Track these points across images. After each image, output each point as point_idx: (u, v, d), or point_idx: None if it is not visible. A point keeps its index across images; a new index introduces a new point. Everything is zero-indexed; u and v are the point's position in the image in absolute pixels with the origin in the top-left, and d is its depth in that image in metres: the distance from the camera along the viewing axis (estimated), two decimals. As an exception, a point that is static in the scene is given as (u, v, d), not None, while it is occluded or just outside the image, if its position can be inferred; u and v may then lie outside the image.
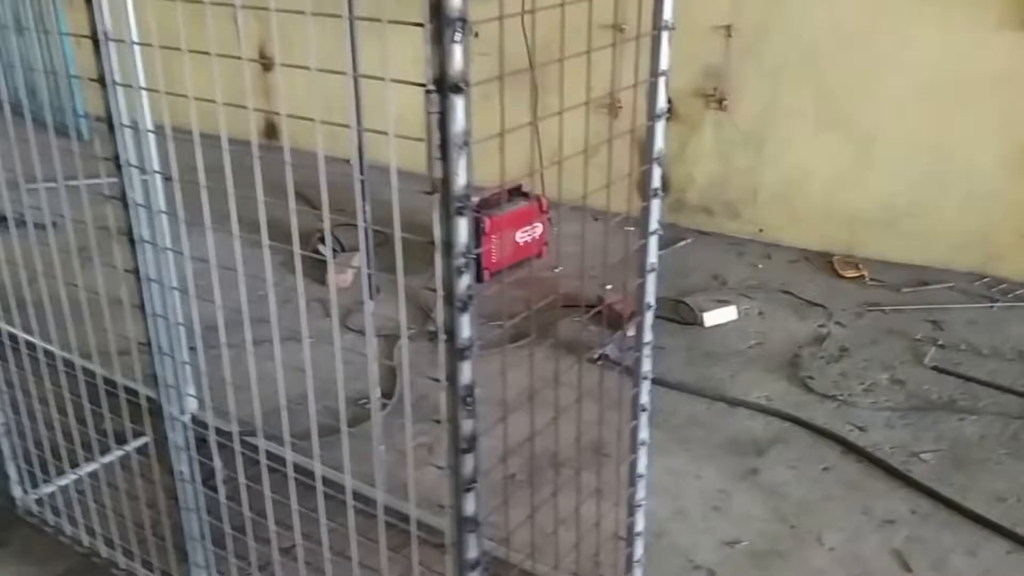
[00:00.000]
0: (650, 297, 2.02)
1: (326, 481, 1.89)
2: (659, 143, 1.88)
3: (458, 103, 1.33)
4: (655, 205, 1.94)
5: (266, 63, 6.58)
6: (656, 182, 1.91)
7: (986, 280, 4.45)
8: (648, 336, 2.06)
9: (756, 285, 4.54)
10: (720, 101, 5.00)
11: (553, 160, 1.91)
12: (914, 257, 4.63)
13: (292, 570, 2.16)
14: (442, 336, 1.49)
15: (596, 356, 3.79)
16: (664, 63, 1.82)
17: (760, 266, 4.79)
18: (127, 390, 2.32)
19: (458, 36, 1.30)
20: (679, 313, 4.20)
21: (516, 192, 4.76)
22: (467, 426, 1.55)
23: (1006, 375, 3.62)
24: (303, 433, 2.00)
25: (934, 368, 3.68)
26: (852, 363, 3.77)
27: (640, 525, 2.26)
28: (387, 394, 3.60)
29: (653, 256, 2.01)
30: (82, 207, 2.19)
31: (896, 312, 4.19)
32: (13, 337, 2.64)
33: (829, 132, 4.76)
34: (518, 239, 4.72)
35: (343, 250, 4.90)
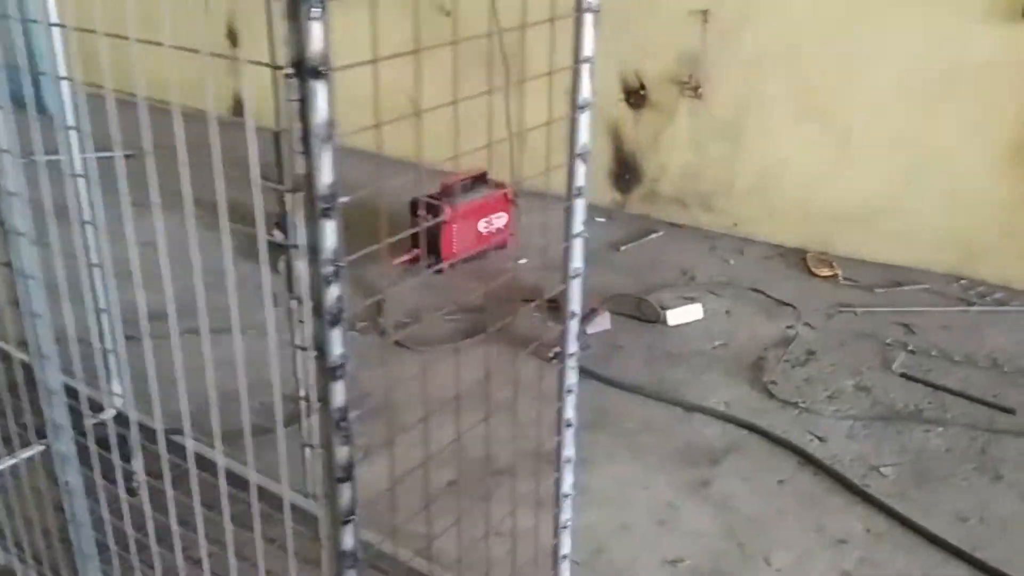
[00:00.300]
0: (575, 305, 1.85)
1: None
2: (584, 138, 1.70)
3: (319, 89, 1.16)
4: (579, 205, 1.76)
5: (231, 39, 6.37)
6: (580, 180, 1.74)
7: (964, 282, 4.29)
8: (572, 347, 1.89)
9: (726, 282, 4.37)
10: (695, 89, 4.81)
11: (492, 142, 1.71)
12: (891, 256, 4.47)
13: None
14: (311, 352, 1.32)
15: (551, 354, 3.62)
16: (587, 49, 1.64)
17: (732, 262, 4.62)
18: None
19: (316, 12, 1.12)
20: (641, 311, 4.04)
21: (480, 180, 4.58)
22: (342, 453, 1.38)
23: (977, 384, 3.46)
24: (225, 435, 1.82)
25: (902, 375, 3.52)
26: (818, 368, 3.61)
27: (566, 547, 2.10)
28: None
29: (578, 260, 1.83)
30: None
31: (868, 314, 4.03)
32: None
33: (807, 124, 4.58)
34: (480, 228, 4.54)
35: (300, 235, 4.71)
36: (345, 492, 1.42)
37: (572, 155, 1.70)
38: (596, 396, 3.42)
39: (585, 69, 1.64)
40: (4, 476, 2.45)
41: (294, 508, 1.89)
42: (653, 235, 4.93)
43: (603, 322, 3.89)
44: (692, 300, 4.11)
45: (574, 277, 1.83)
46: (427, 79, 1.42)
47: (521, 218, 5.01)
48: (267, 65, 1.21)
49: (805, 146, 4.61)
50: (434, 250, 4.40)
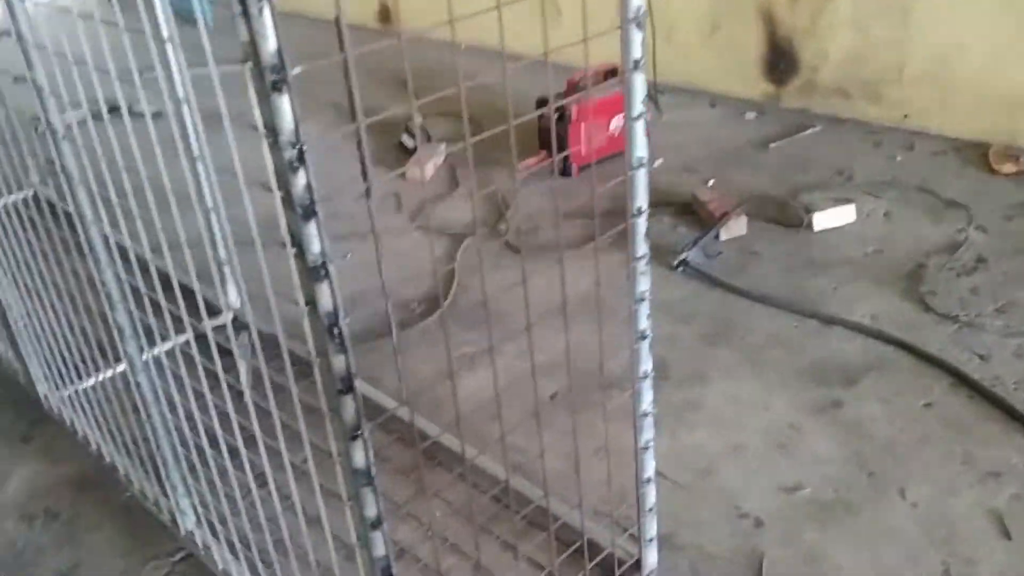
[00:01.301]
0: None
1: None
2: (639, -3, 1.42)
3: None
4: (638, 80, 1.49)
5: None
6: (637, 51, 1.46)
7: None
8: (642, 249, 1.65)
9: (888, 181, 3.88)
10: (860, -39, 4.22)
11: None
12: (1093, 147, 3.81)
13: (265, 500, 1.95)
14: (290, 249, 1.17)
15: (676, 262, 3.35)
16: None
17: (898, 159, 4.10)
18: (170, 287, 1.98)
19: None
20: (784, 214, 3.65)
21: (611, 75, 4.26)
22: (339, 363, 1.24)
23: None
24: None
25: (1094, 285, 3.00)
26: (988, 277, 3.13)
27: (649, 470, 1.89)
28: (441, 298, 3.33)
29: (640, 148, 1.57)
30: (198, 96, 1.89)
31: (1058, 215, 3.46)
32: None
33: (994, -5, 3.92)
34: (612, 128, 4.24)
35: (429, 141, 4.60)
36: (348, 405, 1.28)
37: (624, 19, 1.43)
38: (721, 307, 3.13)
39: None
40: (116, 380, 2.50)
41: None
42: (809, 131, 4.45)
43: (738, 227, 3.55)
44: (845, 202, 3.67)
45: (638, 167, 1.57)
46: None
47: (661, 115, 4.67)
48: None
49: (988, 22, 3.95)
50: (562, 152, 4.16)
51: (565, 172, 4.19)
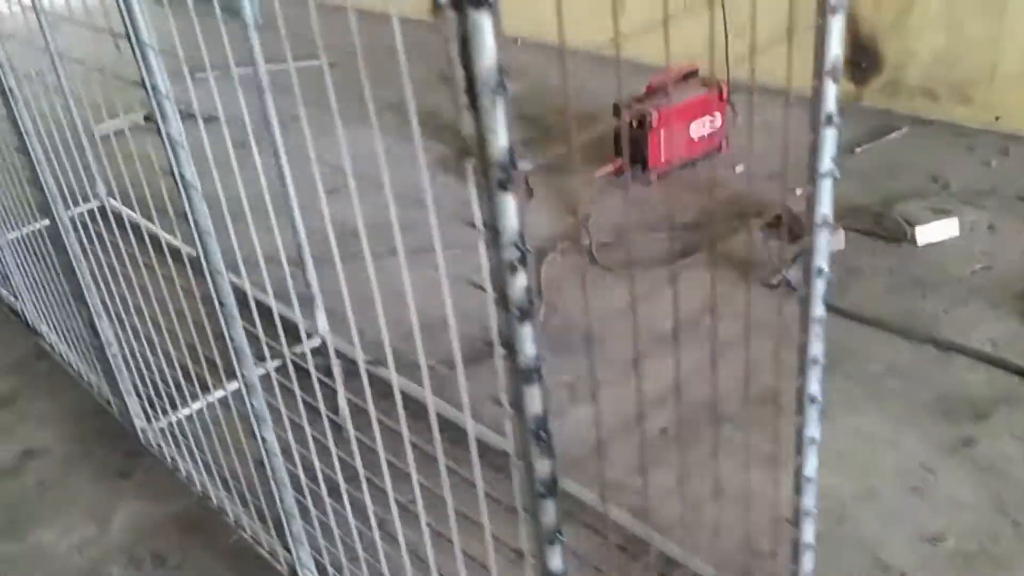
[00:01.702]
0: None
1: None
2: (835, 48, 1.30)
3: (483, 21, 0.87)
4: (829, 137, 1.37)
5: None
6: (831, 104, 1.34)
7: None
8: (819, 310, 1.53)
9: (987, 190, 3.71)
10: (954, -44, 4.04)
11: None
12: None
13: (393, 555, 1.86)
14: (499, 351, 1.06)
15: (775, 280, 3.22)
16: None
17: (994, 164, 3.92)
18: (262, 310, 1.85)
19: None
20: (883, 227, 3.50)
21: (691, 77, 4.11)
22: (543, 467, 1.14)
23: None
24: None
25: None
26: (1112, 297, 2.98)
27: (808, 534, 1.78)
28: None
29: (826, 205, 1.44)
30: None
31: None
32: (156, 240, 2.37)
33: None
34: (692, 133, 4.10)
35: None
36: (549, 508, 1.18)
37: (820, 72, 1.30)
38: (828, 330, 2.98)
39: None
40: (215, 408, 2.43)
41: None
42: (895, 133, 4.28)
43: (836, 241, 3.41)
44: (945, 213, 3.52)
45: (821, 225, 1.45)
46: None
47: (736, 117, 4.51)
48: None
49: (1098, 19, 3.77)
50: (640, 159, 4.03)
51: (644, 180, 4.06)
